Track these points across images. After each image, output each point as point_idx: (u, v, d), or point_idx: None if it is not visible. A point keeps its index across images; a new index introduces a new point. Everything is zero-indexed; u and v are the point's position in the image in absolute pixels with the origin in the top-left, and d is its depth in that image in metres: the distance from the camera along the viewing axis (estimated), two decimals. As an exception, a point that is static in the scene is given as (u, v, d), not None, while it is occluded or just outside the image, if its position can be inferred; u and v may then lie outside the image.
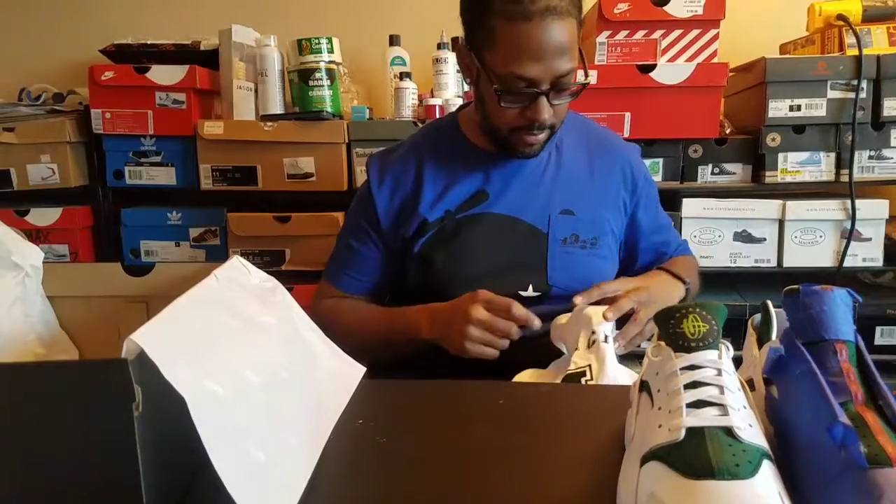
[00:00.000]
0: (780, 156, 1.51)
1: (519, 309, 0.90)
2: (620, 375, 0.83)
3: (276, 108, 1.59)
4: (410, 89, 1.59)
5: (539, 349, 0.93)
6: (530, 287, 1.00)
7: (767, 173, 1.51)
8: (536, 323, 0.90)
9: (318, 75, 1.55)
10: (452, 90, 1.61)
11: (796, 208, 1.49)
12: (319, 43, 1.55)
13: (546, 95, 0.90)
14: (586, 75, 0.95)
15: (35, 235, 1.55)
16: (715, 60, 1.50)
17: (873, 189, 1.56)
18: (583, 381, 0.83)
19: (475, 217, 1.02)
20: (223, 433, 0.46)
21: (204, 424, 0.44)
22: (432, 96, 1.59)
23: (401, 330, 1.00)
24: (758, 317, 0.62)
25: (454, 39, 1.00)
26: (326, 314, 1.05)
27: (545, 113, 0.92)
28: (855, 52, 1.44)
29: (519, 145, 0.97)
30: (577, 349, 0.86)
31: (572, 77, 0.91)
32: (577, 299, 0.90)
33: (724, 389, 0.48)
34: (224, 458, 0.45)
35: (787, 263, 1.52)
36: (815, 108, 1.47)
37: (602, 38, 1.51)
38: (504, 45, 0.89)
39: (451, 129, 1.08)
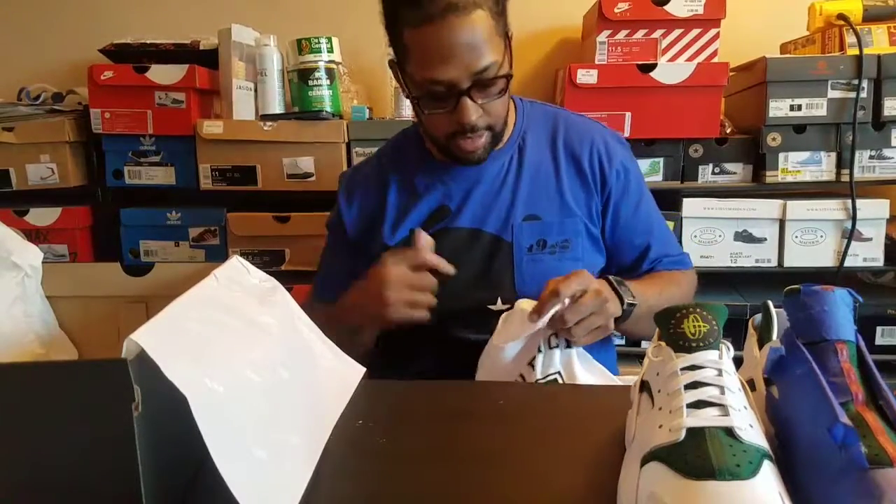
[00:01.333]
0: (781, 155, 1.50)
1: (432, 256, 0.88)
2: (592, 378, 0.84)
3: (276, 107, 1.59)
4: (410, 89, 1.59)
5: None
6: (499, 300, 0.96)
7: (768, 173, 1.51)
8: (450, 269, 0.89)
9: (317, 75, 1.54)
10: (452, 90, 1.60)
11: (797, 208, 1.49)
12: (319, 42, 1.55)
13: (468, 95, 0.87)
14: (510, 65, 0.91)
15: (34, 235, 1.55)
16: (715, 60, 1.50)
17: (874, 189, 1.56)
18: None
19: (438, 235, 0.98)
20: (225, 432, 0.46)
21: (206, 423, 0.44)
22: (432, 96, 1.59)
23: (341, 322, 0.94)
24: (758, 317, 0.62)
25: (390, 62, 0.97)
26: None
27: (472, 114, 0.88)
28: (855, 51, 1.44)
29: (459, 153, 0.94)
30: (539, 351, 0.84)
31: (494, 71, 0.87)
32: (533, 317, 0.82)
33: (724, 390, 0.48)
34: (226, 457, 0.45)
35: (787, 263, 1.52)
36: (815, 107, 1.47)
37: (602, 37, 1.51)
38: (415, 53, 0.87)
39: (416, 141, 1.07)
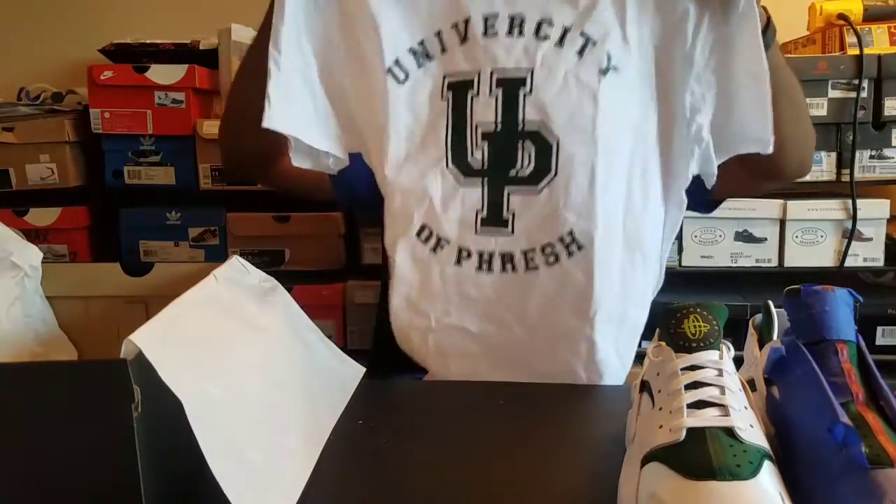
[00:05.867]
0: (781, 155, 1.50)
1: None
2: None
3: (276, 107, 1.59)
4: (410, 89, 1.58)
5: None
6: None
7: (768, 173, 1.51)
8: None
9: (317, 75, 1.54)
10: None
11: (797, 208, 1.49)
12: (319, 42, 1.54)
13: None
14: None
15: (34, 235, 1.54)
16: (715, 60, 1.50)
17: (874, 189, 1.56)
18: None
19: None
20: (220, 435, 0.46)
21: (201, 427, 0.44)
22: (432, 96, 1.59)
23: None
24: (759, 317, 0.62)
25: None
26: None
27: None
28: (856, 51, 1.44)
29: None
30: None
31: None
32: None
33: (724, 390, 0.47)
34: (221, 461, 0.45)
35: (788, 263, 1.51)
36: (815, 107, 1.47)
37: (602, 37, 1.51)
38: None
39: None
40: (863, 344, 0.50)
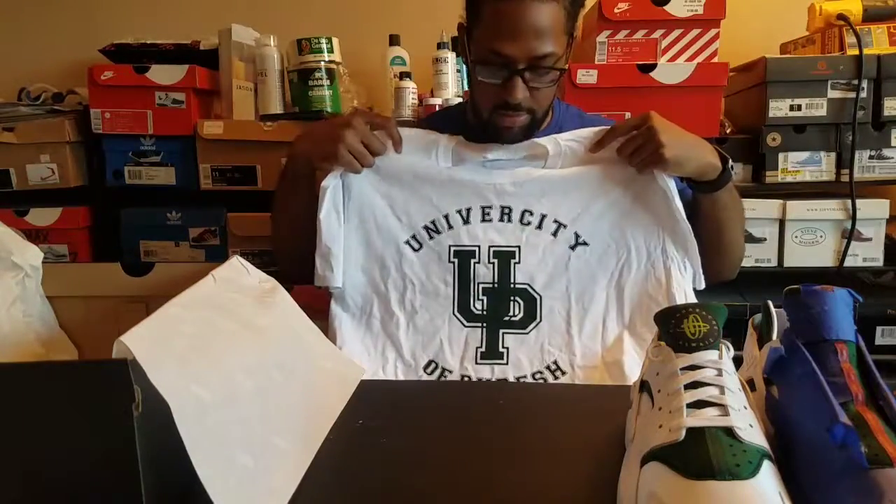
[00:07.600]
0: (781, 155, 1.50)
1: (395, 130, 0.96)
2: None
3: (276, 107, 1.59)
4: (410, 89, 1.59)
5: None
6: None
7: (768, 173, 1.51)
8: (399, 149, 0.97)
9: (317, 75, 1.54)
10: (452, 90, 1.61)
11: (797, 208, 1.49)
12: (319, 42, 1.54)
13: (521, 75, 0.92)
14: (566, 64, 0.97)
15: (34, 235, 1.54)
16: (715, 60, 1.50)
17: (874, 189, 1.56)
18: None
19: None
20: (208, 438, 0.46)
21: (188, 430, 0.44)
22: (432, 96, 1.59)
23: (285, 168, 1.03)
24: (758, 317, 0.62)
25: (459, 25, 1.01)
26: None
27: (519, 92, 0.93)
28: (855, 51, 1.44)
29: (498, 126, 0.98)
30: None
31: (551, 61, 0.92)
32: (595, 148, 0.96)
33: (724, 390, 0.48)
34: (208, 465, 0.45)
35: (787, 263, 1.52)
36: (815, 107, 1.47)
37: (602, 37, 1.51)
38: (487, 22, 0.92)
39: (457, 115, 1.11)
40: (862, 344, 0.50)
